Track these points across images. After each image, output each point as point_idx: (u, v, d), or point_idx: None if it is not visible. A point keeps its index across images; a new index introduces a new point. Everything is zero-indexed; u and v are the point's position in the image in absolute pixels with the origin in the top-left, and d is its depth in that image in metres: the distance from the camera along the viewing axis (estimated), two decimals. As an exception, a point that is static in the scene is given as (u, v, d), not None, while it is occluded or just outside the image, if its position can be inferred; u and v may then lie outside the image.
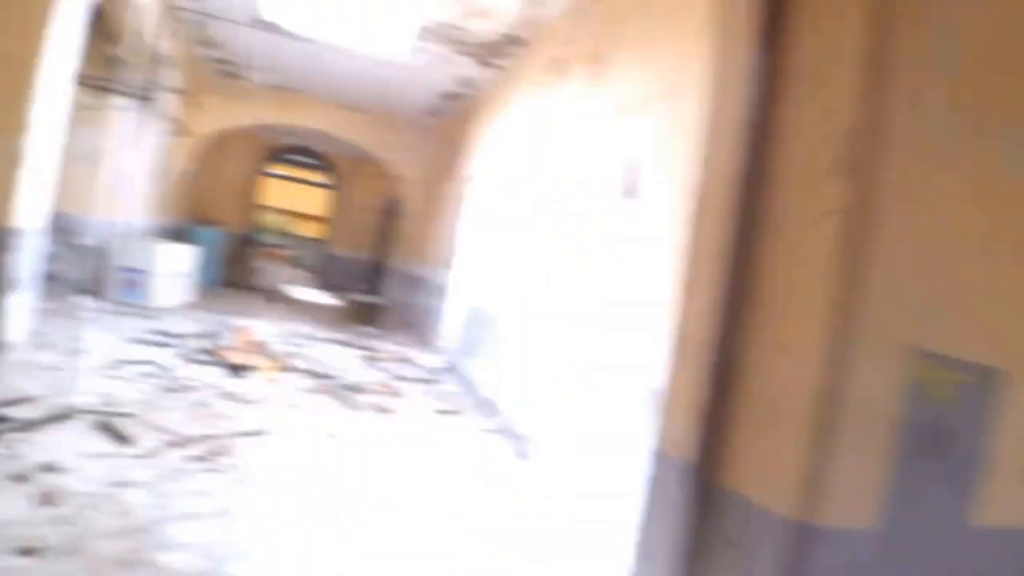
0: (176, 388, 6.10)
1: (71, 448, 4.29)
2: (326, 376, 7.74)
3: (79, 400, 5.16)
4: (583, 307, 5.43)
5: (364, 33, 9.24)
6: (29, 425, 4.42)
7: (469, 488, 5.13)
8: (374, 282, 18.28)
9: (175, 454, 4.58)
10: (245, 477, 4.50)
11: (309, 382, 7.40)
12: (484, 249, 8.95)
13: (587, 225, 5.68)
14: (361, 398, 7.08)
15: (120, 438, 4.62)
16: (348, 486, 4.70)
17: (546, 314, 6.19)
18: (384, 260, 18.01)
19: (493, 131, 9.80)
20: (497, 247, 8.30)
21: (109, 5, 8.60)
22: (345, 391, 7.25)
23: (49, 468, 3.91)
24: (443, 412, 7.31)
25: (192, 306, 11.00)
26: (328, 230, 19.98)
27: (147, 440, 4.71)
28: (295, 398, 6.67)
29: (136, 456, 4.41)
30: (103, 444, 4.50)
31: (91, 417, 4.89)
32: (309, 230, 24.44)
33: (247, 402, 6.15)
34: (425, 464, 5.49)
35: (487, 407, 7.49)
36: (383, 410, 6.83)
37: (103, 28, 9.14)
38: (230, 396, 6.20)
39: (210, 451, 4.77)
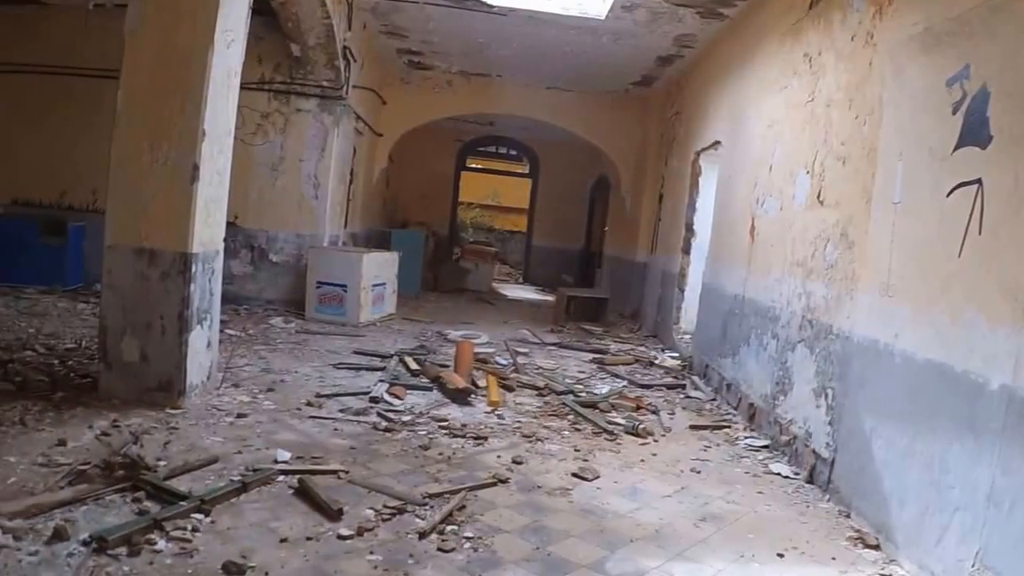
0: (391, 426, 4.89)
1: (265, 531, 3.14)
2: (561, 392, 6.35)
3: (273, 456, 4.06)
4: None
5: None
6: (209, 502, 3.31)
7: None
8: (586, 273, 16.89)
9: (398, 527, 3.33)
10: (496, 558, 3.16)
11: (542, 401, 6.04)
12: (742, 230, 7.04)
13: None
14: (608, 418, 5.62)
15: (327, 510, 3.42)
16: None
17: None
18: (595, 249, 16.54)
19: (730, 94, 7.97)
20: (764, 226, 6.44)
21: (288, 2, 7.74)
22: (587, 410, 5.81)
23: (237, 571, 2.75)
24: (704, 427, 5.73)
25: (397, 318, 10.04)
26: (530, 221, 18.77)
27: (361, 507, 3.50)
28: (532, 426, 5.29)
29: (348, 536, 3.20)
30: (306, 520, 3.33)
31: (289, 480, 3.75)
32: (510, 223, 23.48)
33: (477, 438, 4.84)
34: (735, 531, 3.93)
35: (755, 416, 5.80)
36: (640, 434, 5.33)
37: (283, 26, 8.34)
38: (457, 432, 4.91)
39: (444, 518, 3.49)
